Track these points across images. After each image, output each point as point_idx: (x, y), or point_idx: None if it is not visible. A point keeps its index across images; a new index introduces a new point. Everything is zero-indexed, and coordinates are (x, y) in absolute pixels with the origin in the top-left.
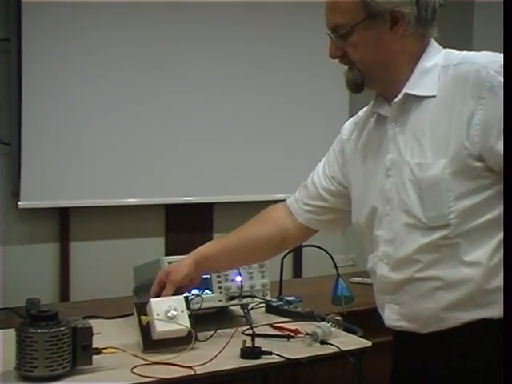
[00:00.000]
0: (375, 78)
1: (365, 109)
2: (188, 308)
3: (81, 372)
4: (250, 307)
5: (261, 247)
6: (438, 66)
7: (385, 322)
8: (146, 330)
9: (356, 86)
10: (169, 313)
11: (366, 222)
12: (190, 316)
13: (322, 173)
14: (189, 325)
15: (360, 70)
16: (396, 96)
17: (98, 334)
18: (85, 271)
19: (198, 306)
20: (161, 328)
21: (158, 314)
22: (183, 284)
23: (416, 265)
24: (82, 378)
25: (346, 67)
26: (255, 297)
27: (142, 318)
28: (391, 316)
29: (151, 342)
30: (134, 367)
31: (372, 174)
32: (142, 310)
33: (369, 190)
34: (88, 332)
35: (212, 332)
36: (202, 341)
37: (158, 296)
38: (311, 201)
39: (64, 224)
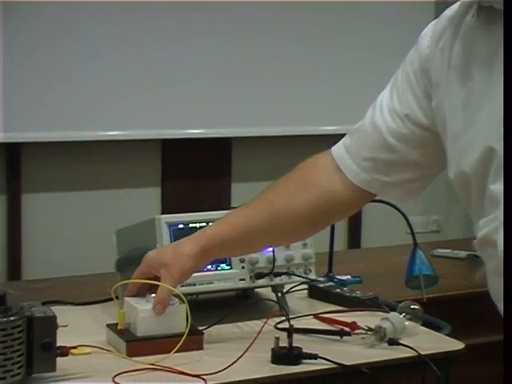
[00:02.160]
0: None
1: (459, 2)
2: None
3: (41, 382)
4: (285, 290)
5: (297, 224)
6: None
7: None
8: (125, 331)
9: None
10: (152, 295)
11: (475, 173)
12: (189, 302)
13: (387, 110)
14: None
15: None
16: None
17: (65, 326)
18: (44, 237)
19: (208, 288)
20: (147, 318)
21: (137, 303)
22: (182, 281)
23: None
24: None
25: None
26: (294, 275)
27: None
28: None
29: (137, 343)
30: (118, 375)
31: (481, 101)
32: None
33: (478, 124)
34: (50, 324)
35: (230, 325)
36: (214, 342)
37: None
38: (371, 152)
39: (13, 167)
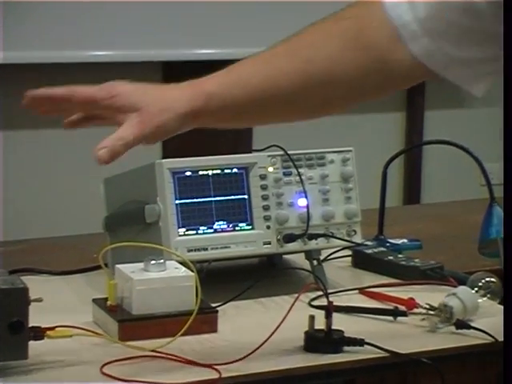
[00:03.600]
0: None
1: None
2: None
3: (7, 373)
4: (323, 256)
5: (339, 94)
6: None
7: None
8: (117, 308)
9: None
10: (152, 261)
11: None
12: (200, 271)
13: None
14: (197, 282)
15: None
16: None
17: (39, 301)
18: (16, 186)
19: (224, 254)
20: (145, 292)
21: (132, 272)
22: (153, 141)
23: None
24: None
25: None
26: (333, 237)
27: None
28: None
29: (132, 323)
30: (107, 364)
31: None
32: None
33: None
34: (20, 298)
35: (251, 302)
36: (230, 323)
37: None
38: (446, 11)
39: None
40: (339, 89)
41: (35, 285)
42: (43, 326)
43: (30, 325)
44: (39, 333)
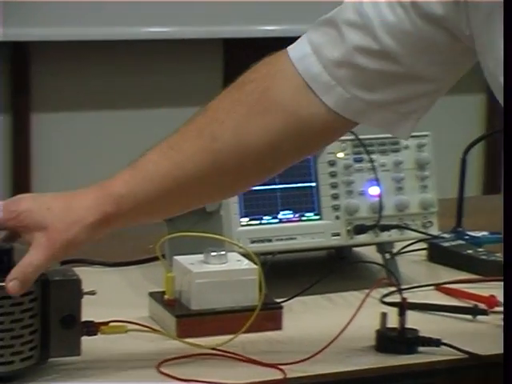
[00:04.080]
0: None
1: None
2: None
3: (57, 370)
4: (396, 250)
5: (253, 165)
6: None
7: None
8: (175, 302)
9: None
10: (213, 252)
11: None
12: (264, 264)
13: None
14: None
15: None
16: None
17: (93, 293)
18: (61, 171)
19: (290, 246)
20: (205, 286)
21: (191, 264)
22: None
23: None
24: None
25: None
26: (408, 229)
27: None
28: None
29: (191, 319)
30: (164, 362)
31: None
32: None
33: None
34: (73, 291)
35: (318, 297)
36: (296, 320)
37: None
38: (352, 54)
39: (20, 77)
40: (251, 159)
41: (88, 277)
42: (96, 320)
43: (83, 319)
44: (92, 328)
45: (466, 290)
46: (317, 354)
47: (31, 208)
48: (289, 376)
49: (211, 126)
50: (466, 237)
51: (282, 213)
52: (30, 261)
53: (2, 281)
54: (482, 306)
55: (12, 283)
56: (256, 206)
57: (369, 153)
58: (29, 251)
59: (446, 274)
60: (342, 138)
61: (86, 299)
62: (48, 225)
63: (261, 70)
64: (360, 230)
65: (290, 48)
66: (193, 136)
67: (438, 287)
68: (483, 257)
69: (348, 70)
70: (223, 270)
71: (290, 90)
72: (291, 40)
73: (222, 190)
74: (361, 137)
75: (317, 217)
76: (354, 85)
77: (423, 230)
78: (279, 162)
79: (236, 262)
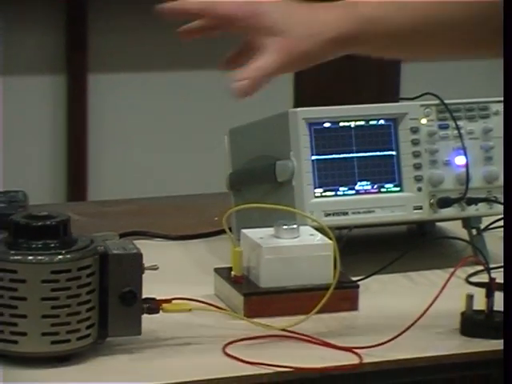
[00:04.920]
0: None
1: None
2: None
3: (117, 350)
4: (484, 225)
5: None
6: None
7: None
8: (243, 279)
9: None
10: (284, 225)
11: None
12: (339, 239)
13: None
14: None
15: None
16: None
17: (155, 269)
18: (121, 138)
19: (367, 220)
20: (275, 262)
21: (261, 238)
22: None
23: None
24: (120, 366)
25: None
26: (497, 202)
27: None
28: None
29: (260, 297)
30: (231, 343)
31: None
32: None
33: None
34: (133, 265)
35: (398, 276)
36: (373, 300)
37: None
38: None
39: (75, 32)
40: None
41: (149, 251)
42: (158, 297)
43: (144, 296)
44: (154, 305)
45: None
46: (396, 337)
47: (274, 10)
48: (365, 361)
49: None
50: None
51: (359, 184)
52: (262, 64)
53: (58, 254)
54: None
55: (243, 83)
56: (331, 176)
57: (455, 119)
58: (261, 54)
59: None
60: (426, 102)
61: (146, 274)
62: (287, 31)
63: None
64: (444, 203)
65: None
66: None
67: None
68: None
69: None
70: (295, 245)
71: None
72: None
73: (470, 43)
74: (447, 101)
75: (397, 188)
76: None
77: None
78: None
79: (309, 237)
